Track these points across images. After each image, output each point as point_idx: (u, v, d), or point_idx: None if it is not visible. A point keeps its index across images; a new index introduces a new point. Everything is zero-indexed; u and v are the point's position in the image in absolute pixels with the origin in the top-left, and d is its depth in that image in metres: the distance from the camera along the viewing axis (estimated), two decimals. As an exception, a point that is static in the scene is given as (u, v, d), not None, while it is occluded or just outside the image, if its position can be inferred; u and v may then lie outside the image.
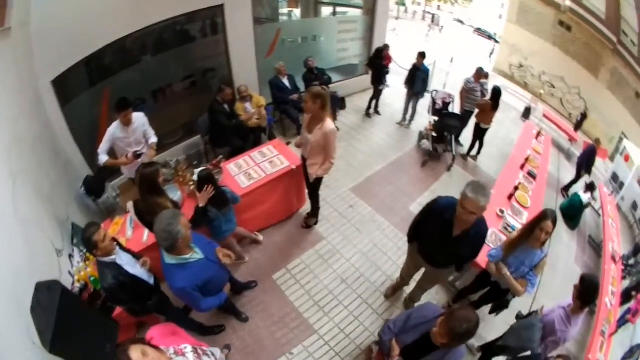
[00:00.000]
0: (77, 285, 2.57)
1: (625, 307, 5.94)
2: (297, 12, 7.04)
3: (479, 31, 30.25)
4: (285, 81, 5.51)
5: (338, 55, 7.36)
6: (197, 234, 2.36)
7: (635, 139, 10.14)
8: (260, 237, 4.10)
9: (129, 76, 4.15)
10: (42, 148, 3.08)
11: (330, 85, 6.52)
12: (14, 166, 2.39)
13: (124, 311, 2.57)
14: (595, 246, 6.68)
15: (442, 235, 2.51)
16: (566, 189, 7.56)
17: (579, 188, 7.11)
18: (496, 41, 22.39)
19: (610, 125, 12.36)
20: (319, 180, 3.83)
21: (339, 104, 6.80)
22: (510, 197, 4.69)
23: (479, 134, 6.57)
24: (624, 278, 6.86)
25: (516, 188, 4.77)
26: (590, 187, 6.69)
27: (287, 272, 3.94)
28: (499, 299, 3.38)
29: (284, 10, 6.58)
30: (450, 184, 5.93)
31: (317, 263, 4.11)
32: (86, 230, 2.10)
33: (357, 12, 7.71)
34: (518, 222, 4.26)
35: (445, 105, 6.61)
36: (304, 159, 3.80)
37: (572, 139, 10.16)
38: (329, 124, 3.27)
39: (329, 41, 6.98)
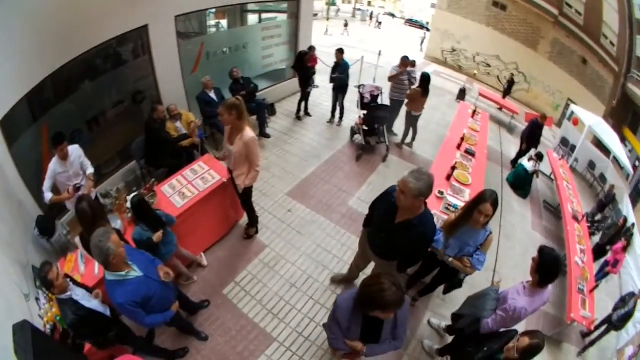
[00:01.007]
0: (47, 326, 2.66)
1: (601, 261, 6.11)
2: (224, 23, 7.10)
3: (410, 21, 31.73)
4: (212, 94, 5.52)
5: (264, 62, 7.47)
6: (140, 252, 2.56)
7: (582, 103, 10.77)
8: (204, 262, 4.08)
9: (64, 109, 4.16)
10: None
11: (259, 93, 6.68)
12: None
13: (92, 346, 2.66)
14: (553, 209, 6.95)
15: (385, 219, 2.57)
16: (514, 162, 7.83)
17: (524, 158, 7.43)
18: (427, 29, 23.19)
19: (554, 94, 13.12)
20: (248, 190, 3.83)
21: (268, 110, 6.94)
22: (448, 177, 4.80)
23: (411, 121, 6.70)
24: (592, 234, 7.03)
25: (453, 167, 4.88)
26: (537, 156, 6.92)
27: (236, 284, 3.96)
28: (450, 278, 3.41)
29: (212, 22, 6.57)
30: (387, 174, 6.13)
31: (263, 272, 4.14)
32: (40, 270, 2.20)
33: (281, 17, 7.85)
34: (460, 200, 4.39)
35: (374, 97, 6.66)
36: (230, 171, 3.82)
37: (510, 110, 10.62)
38: (248, 132, 3.31)
39: (253, 49, 7.01)
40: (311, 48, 7.22)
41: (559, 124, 11.43)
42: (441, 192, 4.41)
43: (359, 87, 6.70)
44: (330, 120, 7.47)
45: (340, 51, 6.69)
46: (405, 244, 2.56)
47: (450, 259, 2.97)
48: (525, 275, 2.70)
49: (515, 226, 6.04)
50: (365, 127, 6.34)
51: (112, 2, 4.16)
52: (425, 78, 6.15)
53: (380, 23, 29.33)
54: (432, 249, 3.06)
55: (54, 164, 3.39)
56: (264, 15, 7.76)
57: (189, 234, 3.79)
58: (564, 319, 4.45)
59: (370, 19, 30.55)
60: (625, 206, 8.41)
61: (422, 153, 6.94)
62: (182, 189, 3.85)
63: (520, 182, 6.96)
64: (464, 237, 2.84)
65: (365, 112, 6.48)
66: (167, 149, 4.70)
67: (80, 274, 3.00)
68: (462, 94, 10.52)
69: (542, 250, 2.46)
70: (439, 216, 3.97)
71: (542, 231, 6.36)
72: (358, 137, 6.59)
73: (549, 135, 11.19)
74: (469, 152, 5.62)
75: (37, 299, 2.74)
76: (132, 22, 4.54)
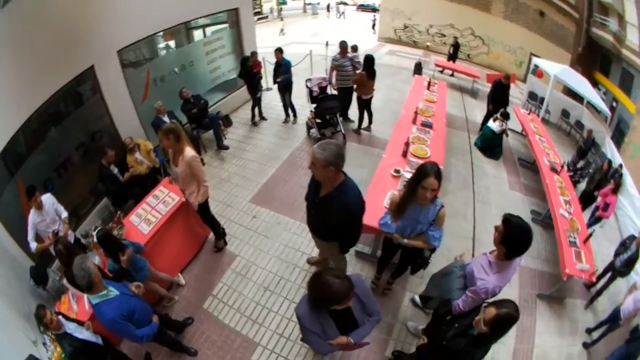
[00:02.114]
0: (57, 365, 3.12)
1: (592, 208, 6.16)
2: (173, 43, 7.29)
3: (362, 7, 32.39)
4: (166, 119, 5.76)
5: (212, 76, 7.72)
6: (109, 281, 2.84)
7: (547, 55, 10.96)
8: (182, 281, 4.33)
9: (34, 160, 4.40)
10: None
11: (213, 106, 7.16)
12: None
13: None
14: (530, 165, 7.08)
15: (313, 195, 2.76)
16: (483, 125, 7.86)
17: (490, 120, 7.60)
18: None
19: (516, 52, 13.38)
20: (204, 206, 4.08)
21: (223, 122, 7.22)
22: (404, 154, 4.90)
23: (364, 106, 6.92)
24: (577, 182, 7.08)
25: (407, 144, 4.93)
26: (503, 115, 7.04)
27: (214, 298, 4.18)
28: (414, 258, 3.38)
29: (161, 44, 6.81)
30: (347, 163, 5.98)
31: (237, 281, 4.36)
32: (37, 313, 2.59)
33: (224, 27, 8.09)
34: None
35: (323, 89, 6.95)
36: (183, 192, 4.13)
37: (469, 75, 10.83)
38: (188, 152, 3.60)
39: (199, 65, 7.32)
40: (253, 54, 7.38)
41: (525, 80, 11.60)
42: (397, 171, 4.50)
43: (306, 82, 6.87)
44: (286, 120, 7.70)
45: (279, 51, 6.89)
46: (331, 218, 2.69)
47: (406, 240, 2.95)
48: None
49: (490, 189, 6.19)
50: (318, 120, 6.56)
51: (56, 51, 4.39)
52: (369, 60, 6.32)
53: (343, 13, 29.52)
54: (385, 234, 3.14)
55: (32, 215, 3.74)
56: (210, 29, 7.89)
57: (162, 257, 4.08)
58: (561, 276, 4.40)
59: (328, 10, 30.78)
60: (609, 149, 8.59)
61: (381, 135, 7.06)
62: (147, 216, 4.16)
63: (490, 144, 7.11)
64: (414, 216, 2.80)
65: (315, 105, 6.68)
66: (128, 184, 5.04)
67: (75, 312, 3.31)
68: (418, 69, 10.66)
69: (508, 220, 2.24)
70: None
71: (522, 189, 6.51)
72: (314, 132, 6.75)
73: (517, 93, 11.39)
74: (426, 125, 5.72)
75: (44, 343, 2.97)
76: (79, 66, 4.83)
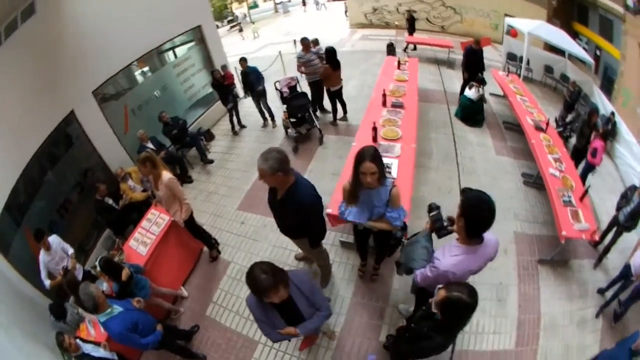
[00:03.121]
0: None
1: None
2: (146, 70, 7.58)
3: None
4: (150, 145, 6.19)
5: (188, 95, 8.08)
6: (114, 300, 3.31)
7: (521, 14, 10.87)
8: (185, 293, 4.73)
9: (36, 207, 4.89)
10: (8, 298, 3.96)
11: (194, 123, 7.63)
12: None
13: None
14: (516, 127, 7.09)
15: (272, 199, 2.95)
16: (461, 94, 7.88)
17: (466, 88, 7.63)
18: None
19: (489, 15, 13.37)
20: (190, 222, 4.48)
21: (206, 137, 7.58)
22: (374, 139, 4.95)
23: (334, 97, 7.07)
24: (568, 137, 7.06)
25: (374, 129, 4.94)
26: (478, 82, 7.08)
27: (215, 304, 4.53)
28: (386, 241, 3.41)
29: (135, 73, 7.12)
30: (326, 156, 6.62)
31: (233, 285, 4.69)
32: (57, 339, 3.02)
33: (191, 46, 8.40)
34: (390, 158, 4.61)
35: (292, 89, 7.17)
36: (168, 212, 4.55)
37: (442, 46, 10.93)
38: (165, 176, 4.02)
39: (173, 87, 7.72)
40: (224, 67, 7.80)
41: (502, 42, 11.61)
42: (368, 157, 4.52)
43: (275, 84, 7.12)
44: (265, 125, 7.94)
45: (243, 60, 7.24)
46: (291, 218, 2.98)
47: (370, 223, 3.02)
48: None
49: (476, 158, 6.28)
50: (292, 120, 6.76)
51: (38, 99, 4.83)
52: (329, 52, 6.44)
53: (323, 4, 29.51)
54: (351, 222, 3.18)
55: (42, 256, 4.25)
56: (179, 49, 8.16)
57: (162, 274, 4.48)
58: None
59: (304, 4, 30.96)
60: (599, 98, 8.54)
61: (357, 122, 7.04)
62: (144, 239, 4.55)
63: (470, 113, 7.19)
64: (368, 200, 2.88)
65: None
66: (126, 211, 5.46)
67: (93, 337, 3.65)
68: (391, 50, 10.64)
69: (465, 191, 2.30)
70: (392, 179, 4.07)
71: (510, 153, 6.59)
72: (291, 131, 6.91)
73: (496, 56, 11.52)
74: (397, 105, 5.77)
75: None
76: (61, 112, 5.26)
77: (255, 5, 34.41)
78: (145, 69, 7.29)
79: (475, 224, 2.15)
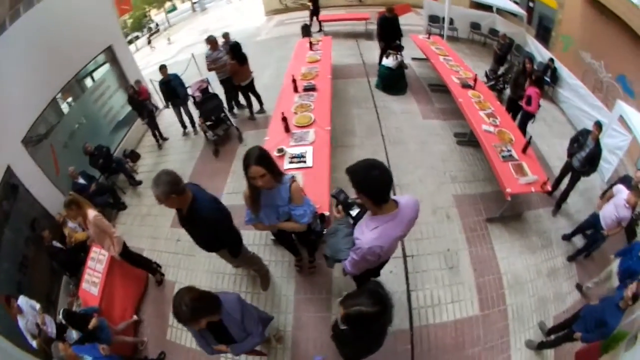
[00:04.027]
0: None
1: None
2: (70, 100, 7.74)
3: None
4: (81, 180, 6.44)
5: (108, 119, 8.29)
6: (85, 347, 3.68)
7: None
8: (136, 317, 4.94)
9: (1, 271, 5.16)
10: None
11: (119, 146, 7.91)
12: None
13: None
14: (442, 88, 7.46)
15: (180, 218, 3.12)
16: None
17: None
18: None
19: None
20: (125, 253, 4.72)
21: (131, 158, 7.80)
22: (286, 129, 5.05)
23: (247, 91, 7.41)
24: (502, 90, 7.66)
25: (284, 119, 5.07)
26: (395, 49, 7.40)
27: (172, 327, 4.66)
28: (306, 236, 3.64)
29: (64, 105, 7.36)
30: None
31: None
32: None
33: (105, 68, 8.67)
34: (305, 145, 4.80)
35: (205, 91, 7.35)
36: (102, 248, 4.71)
37: (358, 19, 11.57)
38: (89, 214, 4.30)
39: (93, 114, 7.89)
40: (137, 82, 8.10)
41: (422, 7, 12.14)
42: (281, 150, 4.71)
43: (188, 89, 7.42)
44: (185, 133, 8.19)
45: (163, 68, 7.45)
46: (199, 234, 3.21)
47: (279, 225, 3.16)
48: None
49: (402, 128, 6.62)
50: (209, 123, 7.04)
51: None
52: (234, 47, 6.76)
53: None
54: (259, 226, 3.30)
55: (19, 321, 4.39)
56: (96, 72, 8.48)
57: (115, 308, 4.76)
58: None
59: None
60: (534, 47, 9.23)
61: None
62: (93, 279, 4.84)
63: (391, 82, 7.60)
64: (270, 202, 3.01)
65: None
66: (75, 252, 5.68)
67: None
68: (306, 31, 10.98)
69: (347, 171, 2.21)
70: (290, 175, 4.21)
71: (439, 115, 6.98)
72: (210, 134, 7.18)
73: (419, 21, 12.20)
74: (309, 89, 5.97)
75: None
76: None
77: (174, 8, 34.77)
78: (69, 99, 7.51)
79: (373, 192, 2.17)
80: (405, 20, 10.78)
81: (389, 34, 7.81)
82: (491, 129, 5.36)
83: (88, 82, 8.11)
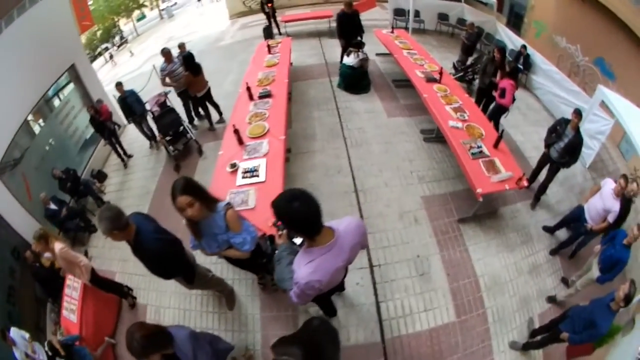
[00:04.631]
0: None
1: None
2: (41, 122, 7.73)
3: None
4: (52, 205, 6.46)
5: (74, 140, 8.23)
6: None
7: None
8: (113, 341, 4.98)
9: None
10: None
11: (86, 166, 7.91)
12: None
13: None
14: (407, 83, 7.30)
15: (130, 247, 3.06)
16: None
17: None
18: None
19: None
20: (94, 279, 4.84)
21: (98, 178, 7.84)
22: (239, 141, 4.92)
23: (204, 102, 7.36)
24: (472, 81, 7.60)
25: (236, 131, 4.95)
26: (356, 46, 7.30)
27: None
28: (254, 261, 3.62)
29: (36, 127, 7.33)
30: (208, 167, 6.52)
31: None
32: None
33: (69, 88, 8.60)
34: (258, 159, 4.67)
35: (163, 105, 7.36)
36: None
37: (321, 17, 11.52)
38: (56, 247, 4.56)
39: (60, 136, 7.80)
40: (99, 102, 8.03)
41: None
42: (233, 165, 4.59)
43: (145, 105, 7.38)
44: (151, 145, 8.18)
45: (119, 85, 7.46)
46: (146, 263, 3.10)
47: (222, 254, 3.20)
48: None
49: (365, 128, 6.56)
50: (168, 138, 6.97)
51: None
52: (187, 59, 6.72)
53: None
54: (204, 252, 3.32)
55: (15, 354, 4.38)
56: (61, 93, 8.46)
57: (94, 334, 4.80)
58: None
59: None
60: (505, 35, 9.30)
61: None
62: (71, 307, 4.89)
63: (353, 81, 7.52)
64: (208, 230, 3.03)
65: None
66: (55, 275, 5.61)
67: None
68: (268, 33, 11.03)
69: (271, 204, 2.09)
70: (238, 193, 4.27)
71: (404, 111, 6.94)
72: (171, 149, 7.08)
73: (384, 15, 12.20)
74: (265, 95, 5.85)
75: None
76: None
77: (143, 16, 35.37)
78: (40, 120, 7.51)
79: (297, 225, 2.09)
80: (371, 15, 10.86)
81: (349, 30, 7.68)
82: (459, 124, 5.23)
83: (56, 102, 8.11)
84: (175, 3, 34.86)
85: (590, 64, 7.83)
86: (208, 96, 7.23)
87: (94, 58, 24.30)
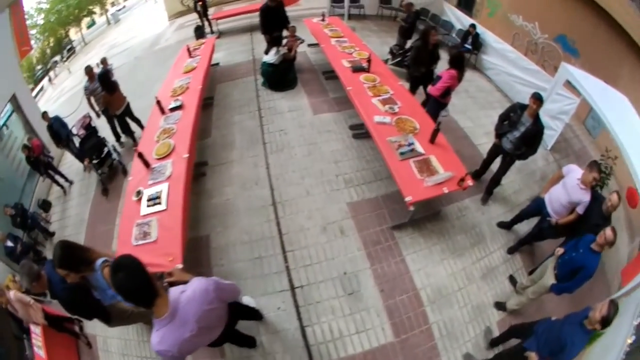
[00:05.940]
0: None
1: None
2: None
3: None
4: (9, 243, 6.65)
5: (19, 172, 8.39)
6: None
7: None
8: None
9: None
10: None
11: (32, 198, 8.00)
12: None
13: None
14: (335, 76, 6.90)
15: None
16: None
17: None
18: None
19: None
20: (50, 320, 4.98)
21: (44, 208, 7.97)
22: (146, 165, 4.73)
23: (123, 119, 7.41)
24: (407, 66, 7.40)
25: (139, 154, 4.72)
26: (274, 41, 7.20)
27: None
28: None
29: None
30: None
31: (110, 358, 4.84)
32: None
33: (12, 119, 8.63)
34: (161, 183, 4.49)
35: (88, 127, 7.47)
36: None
37: (244, 12, 11.62)
38: (11, 296, 4.67)
39: (6, 169, 8.06)
40: (29, 139, 8.12)
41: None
42: (138, 193, 4.41)
43: (70, 129, 7.32)
44: (85, 169, 8.04)
45: (44, 114, 7.53)
46: (64, 308, 3.34)
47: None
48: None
49: (288, 129, 6.46)
50: (94, 161, 6.98)
51: None
52: (100, 78, 6.74)
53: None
54: None
55: None
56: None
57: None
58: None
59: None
60: (452, 14, 9.57)
61: None
62: (38, 343, 5.04)
63: (277, 78, 7.43)
64: (96, 285, 3.28)
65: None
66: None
67: None
68: (199, 32, 11.02)
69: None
70: (146, 221, 4.09)
71: (332, 106, 6.86)
72: (100, 172, 7.02)
73: (323, 4, 11.95)
74: (176, 108, 5.69)
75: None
76: None
77: (93, 23, 35.22)
78: None
79: (125, 296, 2.05)
80: (310, 4, 11.17)
81: (274, 24, 7.45)
82: (386, 119, 4.94)
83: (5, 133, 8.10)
84: (124, 7, 34.77)
85: (551, 42, 7.88)
86: (128, 112, 7.18)
87: (46, 72, 24.22)
